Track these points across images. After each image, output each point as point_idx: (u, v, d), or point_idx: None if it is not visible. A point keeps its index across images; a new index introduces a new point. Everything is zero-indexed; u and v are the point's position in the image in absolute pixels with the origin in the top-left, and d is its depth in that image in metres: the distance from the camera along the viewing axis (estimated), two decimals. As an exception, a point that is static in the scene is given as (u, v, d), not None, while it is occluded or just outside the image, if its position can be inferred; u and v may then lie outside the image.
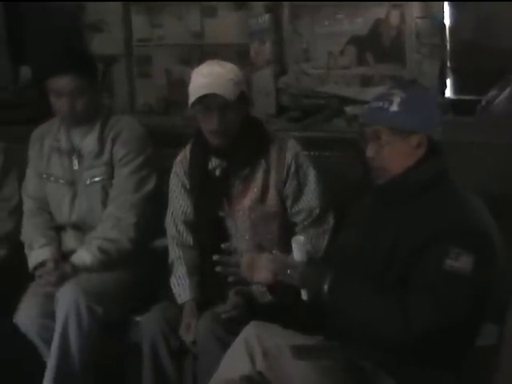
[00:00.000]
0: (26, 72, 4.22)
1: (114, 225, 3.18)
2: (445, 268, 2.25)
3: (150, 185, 3.24)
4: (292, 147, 3.02)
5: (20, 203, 3.37)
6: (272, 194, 2.99)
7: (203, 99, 2.86)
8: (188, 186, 3.09)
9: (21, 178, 3.37)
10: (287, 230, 3.00)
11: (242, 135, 2.95)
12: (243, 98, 2.96)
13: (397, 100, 2.41)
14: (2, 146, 3.42)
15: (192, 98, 2.88)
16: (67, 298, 3.00)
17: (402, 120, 2.41)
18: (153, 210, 3.24)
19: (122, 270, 3.17)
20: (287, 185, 2.99)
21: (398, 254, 2.34)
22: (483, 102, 3.63)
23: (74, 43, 4.40)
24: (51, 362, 3.01)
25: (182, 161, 3.12)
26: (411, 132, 2.41)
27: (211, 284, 2.96)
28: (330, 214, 3.03)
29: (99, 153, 3.23)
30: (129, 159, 3.21)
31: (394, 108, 2.41)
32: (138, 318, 3.11)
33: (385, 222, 2.43)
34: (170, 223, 3.13)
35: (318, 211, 2.99)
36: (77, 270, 3.11)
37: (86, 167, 3.24)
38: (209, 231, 3.04)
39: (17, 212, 3.36)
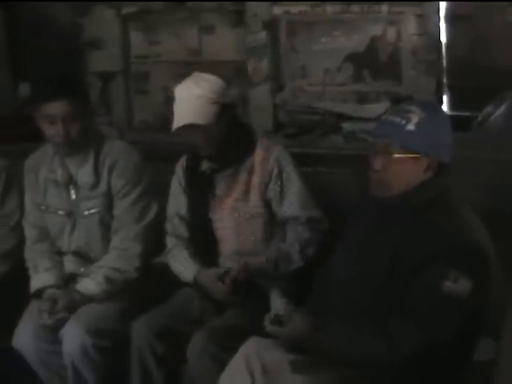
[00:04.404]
0: (25, 89, 4.23)
1: (119, 255, 3.17)
2: (443, 290, 2.25)
3: (152, 213, 3.22)
4: (276, 150, 3.08)
5: (22, 220, 3.37)
6: (255, 194, 3.05)
7: (184, 127, 2.94)
8: (183, 184, 3.18)
9: (22, 194, 3.36)
10: (271, 232, 3.07)
11: (227, 141, 3.02)
12: (227, 109, 3.01)
13: (415, 119, 2.37)
14: (3, 162, 3.40)
15: (174, 126, 2.96)
16: (72, 340, 2.99)
17: (417, 142, 2.36)
18: (156, 235, 3.24)
19: (126, 298, 3.15)
20: (270, 186, 3.05)
21: (396, 272, 2.34)
22: (479, 118, 3.66)
23: (71, 63, 4.41)
24: None
25: (182, 162, 3.22)
26: (423, 155, 2.39)
27: None
28: (321, 220, 3.06)
29: (95, 184, 3.19)
30: (127, 190, 3.19)
31: (411, 127, 2.36)
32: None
33: (382, 241, 2.41)
34: (167, 217, 3.21)
35: (304, 218, 3.03)
36: (84, 299, 3.09)
37: (82, 198, 3.21)
38: (200, 231, 3.12)
39: (19, 228, 3.35)
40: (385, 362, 2.30)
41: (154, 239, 3.23)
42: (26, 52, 4.46)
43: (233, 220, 3.05)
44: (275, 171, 3.05)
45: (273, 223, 3.08)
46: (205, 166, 3.10)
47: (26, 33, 4.44)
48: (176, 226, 3.19)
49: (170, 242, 3.20)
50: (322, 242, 3.02)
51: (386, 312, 2.32)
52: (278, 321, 2.39)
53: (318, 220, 3.06)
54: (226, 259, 3.07)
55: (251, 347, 2.47)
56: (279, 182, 3.05)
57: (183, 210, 3.19)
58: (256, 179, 3.06)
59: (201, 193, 3.11)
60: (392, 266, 2.35)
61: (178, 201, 3.20)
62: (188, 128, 2.94)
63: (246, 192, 3.06)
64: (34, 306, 3.16)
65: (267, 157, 3.06)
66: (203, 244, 3.12)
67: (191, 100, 2.95)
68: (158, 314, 3.01)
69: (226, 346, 2.66)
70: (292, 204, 3.05)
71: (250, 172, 3.06)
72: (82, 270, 3.25)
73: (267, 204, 3.06)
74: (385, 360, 2.29)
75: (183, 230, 3.19)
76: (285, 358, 2.40)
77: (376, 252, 2.42)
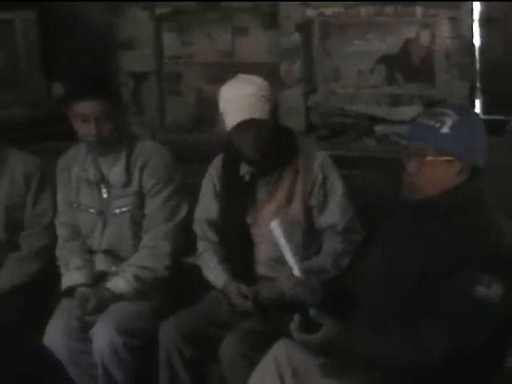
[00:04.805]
0: (58, 88, 4.26)
1: (149, 253, 3.18)
2: (475, 294, 2.23)
3: (183, 212, 3.24)
4: (320, 157, 3.05)
5: (54, 219, 3.39)
6: (297, 202, 3.01)
7: (241, 123, 2.89)
8: (218, 189, 3.14)
9: (55, 193, 3.39)
10: (311, 240, 3.03)
11: (272, 144, 2.98)
12: (274, 110, 2.99)
13: (449, 122, 2.35)
14: (37, 161, 3.45)
15: (231, 123, 2.91)
16: (102, 339, 3.01)
17: (451, 145, 2.35)
18: (186, 235, 3.25)
19: (156, 297, 3.17)
20: (313, 195, 3.01)
21: (428, 276, 2.32)
22: (513, 123, 3.64)
23: (104, 63, 4.44)
24: None
25: (216, 164, 3.19)
26: (457, 158, 2.37)
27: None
28: (358, 228, 3.04)
29: (127, 183, 3.22)
30: (159, 189, 3.21)
31: (445, 130, 2.35)
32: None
33: (415, 244, 2.40)
34: (196, 220, 3.21)
35: (342, 225, 3.00)
36: (114, 297, 3.11)
37: (114, 196, 3.24)
38: (235, 236, 3.09)
39: (51, 227, 3.38)
40: (415, 366, 2.28)
41: (184, 238, 3.25)
42: (60, 51, 4.49)
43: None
44: (319, 179, 3.01)
45: (311, 231, 3.04)
46: (244, 170, 3.06)
47: (60, 32, 4.47)
48: (205, 231, 3.19)
49: (200, 245, 3.21)
50: (355, 252, 2.99)
51: (417, 315, 2.30)
52: (305, 328, 2.37)
53: (355, 230, 3.03)
54: (262, 266, 3.05)
55: (281, 349, 2.47)
56: (323, 191, 3.01)
57: (213, 215, 3.16)
58: (299, 186, 3.01)
59: (239, 198, 3.06)
60: (424, 269, 2.33)
61: (208, 205, 3.18)
62: (243, 125, 2.89)
63: (289, 199, 3.01)
64: (64, 305, 3.20)
65: (311, 163, 3.02)
66: (237, 249, 3.08)
67: (246, 97, 2.91)
68: (186, 317, 3.02)
69: (258, 347, 2.66)
70: (332, 213, 3.01)
71: (293, 179, 3.02)
72: (112, 268, 3.28)
73: (308, 212, 3.02)
74: (415, 364, 2.27)
75: (212, 235, 3.18)
76: (314, 361, 2.40)
77: (408, 255, 2.40)
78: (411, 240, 2.42)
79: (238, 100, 2.92)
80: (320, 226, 3.04)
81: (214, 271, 3.11)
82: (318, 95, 4.15)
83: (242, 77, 3.04)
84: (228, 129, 2.94)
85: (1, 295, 3.25)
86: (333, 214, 3.01)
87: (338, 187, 3.02)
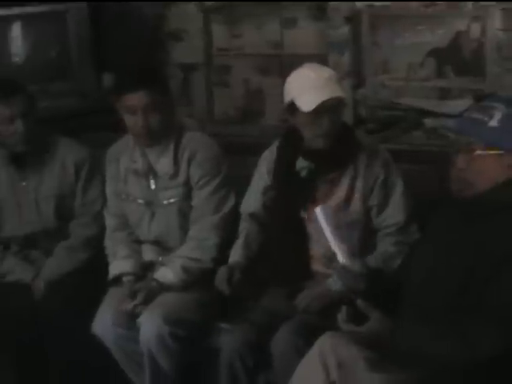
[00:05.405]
0: (109, 79, 4.31)
1: (197, 245, 3.20)
2: None
3: (230, 204, 3.25)
4: (382, 156, 3.00)
5: (103, 209, 3.43)
6: (356, 201, 2.96)
7: (321, 105, 2.80)
8: (268, 183, 3.11)
9: (104, 183, 3.42)
10: (368, 239, 2.99)
11: (336, 138, 2.92)
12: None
13: (498, 115, 2.32)
14: (87, 151, 3.48)
15: (311, 105, 2.81)
16: (150, 329, 3.04)
17: (499, 138, 2.32)
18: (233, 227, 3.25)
19: (203, 289, 3.17)
20: (373, 194, 2.96)
21: (477, 271, 2.29)
22: None
23: (153, 54, 4.47)
24: (147, 383, 3.12)
25: (267, 158, 3.15)
26: (506, 151, 2.34)
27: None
28: (413, 227, 2.97)
29: (175, 174, 3.23)
30: (206, 181, 3.22)
31: (494, 123, 2.32)
32: (223, 325, 3.15)
33: (464, 239, 2.38)
34: (241, 212, 3.20)
35: (399, 226, 2.96)
36: (162, 288, 3.14)
37: (161, 188, 3.26)
38: (286, 230, 3.03)
39: (100, 217, 3.42)
40: (462, 362, 2.26)
41: (230, 231, 3.25)
42: (111, 43, 4.53)
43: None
44: (381, 178, 2.96)
45: (367, 230, 3.00)
46: (300, 165, 2.99)
47: (111, 24, 4.51)
48: (245, 223, 3.17)
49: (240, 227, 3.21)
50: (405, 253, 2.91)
51: (465, 311, 2.28)
52: (353, 319, 2.38)
53: (410, 231, 2.97)
54: (317, 262, 3.00)
55: (327, 342, 2.46)
56: (383, 190, 2.95)
57: (257, 211, 3.14)
58: (359, 184, 2.96)
59: (292, 193, 2.99)
60: (473, 264, 2.30)
61: (254, 199, 3.16)
62: (322, 107, 2.80)
63: (348, 197, 2.96)
64: (113, 293, 3.23)
65: (372, 161, 2.97)
66: (291, 244, 3.02)
67: (328, 77, 2.87)
68: (248, 327, 2.94)
69: (311, 340, 2.60)
70: (391, 213, 2.97)
71: (354, 176, 2.96)
72: (159, 258, 3.31)
73: (367, 211, 2.98)
74: (462, 359, 2.25)
75: (252, 228, 3.16)
76: (361, 355, 2.38)
77: (457, 250, 2.38)
78: (461, 235, 2.40)
79: (321, 80, 2.85)
80: (377, 226, 3.00)
81: (234, 247, 3.11)
82: (366, 88, 4.12)
83: (309, 64, 2.99)
84: (303, 113, 2.84)
85: (50, 283, 3.30)
86: (391, 215, 2.97)
87: (398, 187, 2.97)
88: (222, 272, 2.95)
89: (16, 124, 3.26)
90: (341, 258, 2.53)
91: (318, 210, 2.57)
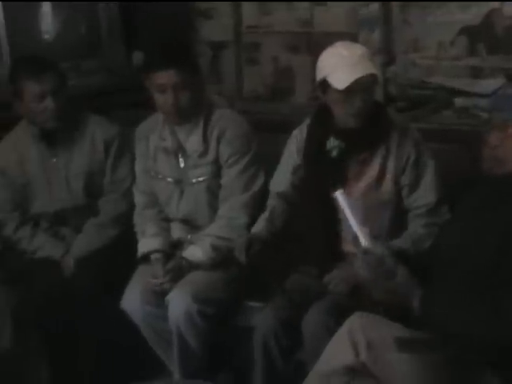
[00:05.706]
0: (138, 57, 4.30)
1: (226, 224, 3.20)
2: None
3: (259, 182, 3.24)
4: (414, 136, 2.97)
5: (132, 186, 3.44)
6: (388, 181, 2.94)
7: (355, 82, 2.77)
8: (298, 162, 3.08)
9: (133, 160, 3.43)
10: (398, 220, 2.97)
11: (368, 117, 2.89)
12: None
13: None
14: (116, 129, 3.49)
15: (345, 83, 2.77)
16: (178, 306, 3.05)
17: None
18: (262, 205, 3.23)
19: (230, 267, 3.16)
20: (405, 174, 2.94)
21: (506, 250, 2.29)
22: None
23: (183, 32, 4.46)
24: (176, 360, 3.14)
25: (297, 136, 3.12)
26: None
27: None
28: (444, 208, 2.94)
29: (204, 152, 3.22)
30: (236, 159, 3.21)
31: None
32: (251, 304, 3.17)
33: (495, 218, 2.37)
34: (270, 188, 3.18)
35: (429, 207, 2.93)
36: (191, 266, 3.15)
37: (191, 166, 3.25)
38: (316, 211, 3.00)
39: (130, 194, 3.43)
40: (492, 338, 2.26)
41: (260, 209, 3.23)
42: (141, 20, 4.52)
43: (361, 205, 2.79)
44: (412, 158, 2.92)
45: (398, 211, 2.97)
46: (331, 144, 2.96)
47: (141, 1, 4.50)
48: (272, 202, 3.15)
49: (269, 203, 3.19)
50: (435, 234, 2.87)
51: (495, 288, 2.28)
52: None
53: (441, 213, 2.93)
54: (348, 243, 2.88)
55: (356, 322, 2.47)
56: (415, 170, 2.93)
57: (285, 190, 3.11)
58: (391, 164, 2.93)
59: (323, 173, 2.96)
60: (502, 243, 2.30)
61: (282, 178, 3.13)
62: (356, 85, 2.77)
63: (380, 177, 2.93)
64: (141, 270, 3.25)
65: (403, 140, 2.94)
66: (321, 226, 2.99)
67: (361, 55, 2.83)
68: (282, 303, 2.95)
69: (341, 320, 2.60)
70: (422, 194, 2.94)
71: (386, 156, 2.93)
72: (188, 236, 3.32)
73: (398, 191, 2.95)
74: (492, 336, 2.26)
75: (279, 209, 3.12)
76: (390, 335, 2.39)
77: (486, 229, 2.38)
78: (492, 213, 2.39)
79: (354, 58, 2.81)
80: (408, 207, 2.98)
81: (258, 220, 3.10)
82: (396, 66, 4.09)
83: (342, 42, 2.95)
84: (336, 91, 2.81)
85: (80, 260, 3.32)
86: (422, 195, 2.94)
87: (429, 167, 2.94)
88: (240, 242, 2.94)
89: (46, 101, 3.28)
90: (363, 240, 2.52)
91: (338, 194, 2.55)
